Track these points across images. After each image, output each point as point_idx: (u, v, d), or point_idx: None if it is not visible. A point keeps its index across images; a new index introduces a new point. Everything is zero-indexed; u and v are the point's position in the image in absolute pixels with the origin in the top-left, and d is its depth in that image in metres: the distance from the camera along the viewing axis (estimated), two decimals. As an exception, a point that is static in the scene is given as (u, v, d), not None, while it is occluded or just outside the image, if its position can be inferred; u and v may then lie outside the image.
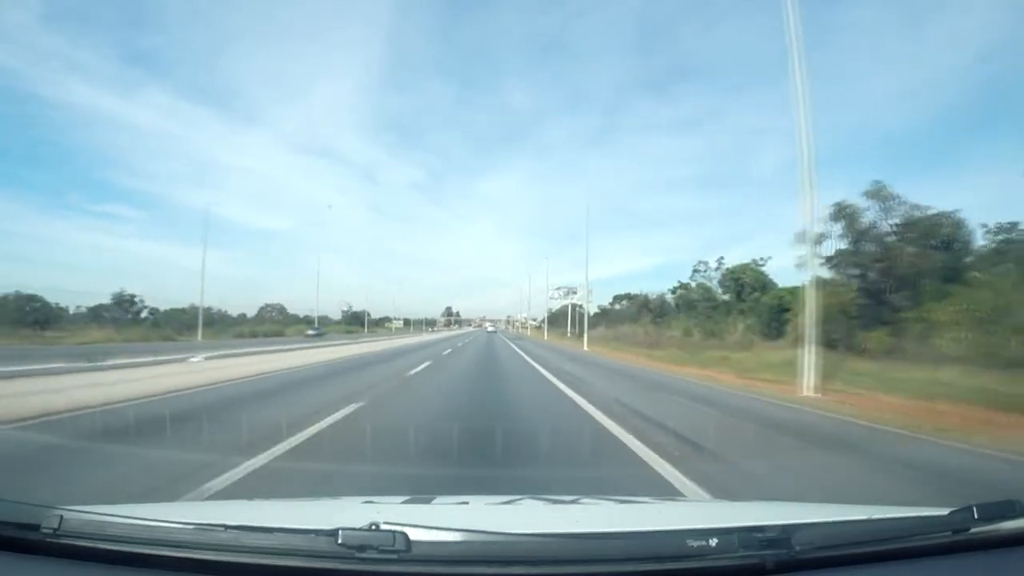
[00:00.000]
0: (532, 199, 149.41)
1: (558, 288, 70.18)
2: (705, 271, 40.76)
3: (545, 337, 61.06)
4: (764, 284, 34.77)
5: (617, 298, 63.66)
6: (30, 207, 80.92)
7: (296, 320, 66.95)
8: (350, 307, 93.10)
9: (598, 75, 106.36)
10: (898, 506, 1.67)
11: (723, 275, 38.86)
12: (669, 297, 45.26)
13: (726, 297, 37.25)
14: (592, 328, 57.81)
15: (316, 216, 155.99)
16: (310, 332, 52.12)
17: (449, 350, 25.32)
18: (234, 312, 64.88)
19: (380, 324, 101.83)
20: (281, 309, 75.68)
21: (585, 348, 33.34)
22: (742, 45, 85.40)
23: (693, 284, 41.17)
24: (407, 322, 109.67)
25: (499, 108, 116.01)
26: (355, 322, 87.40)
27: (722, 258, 39.61)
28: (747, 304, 33.46)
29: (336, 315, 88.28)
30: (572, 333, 59.25)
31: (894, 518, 1.43)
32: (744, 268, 36.91)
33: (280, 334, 50.76)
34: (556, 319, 79.41)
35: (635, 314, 48.38)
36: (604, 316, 59.53)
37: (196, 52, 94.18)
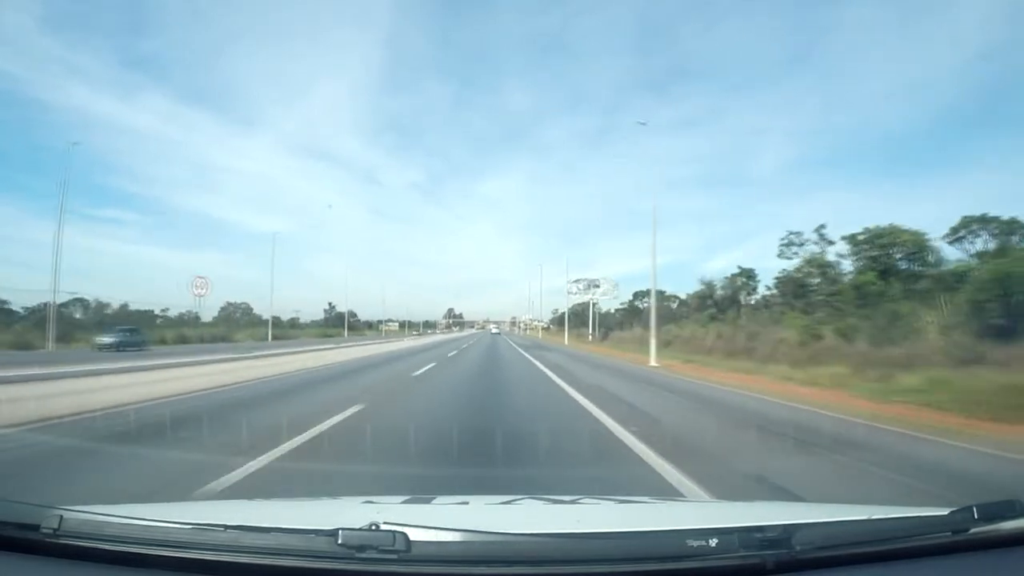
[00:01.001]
0: (533, 200, 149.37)
1: (576, 281, 55.59)
2: (801, 243, 26.90)
3: (566, 342, 46.33)
4: (928, 255, 22.40)
5: (638, 295, 55.05)
6: (29, 212, 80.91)
7: (258, 322, 55.96)
8: (333, 307, 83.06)
9: (598, 75, 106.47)
10: (898, 506, 1.67)
11: (855, 245, 24.41)
12: (710, 287, 35.26)
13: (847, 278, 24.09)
14: (619, 329, 48.38)
15: (316, 218, 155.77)
16: (105, 340, 28.18)
17: (402, 383, 12.20)
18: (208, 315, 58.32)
19: (373, 326, 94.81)
20: (247, 309, 65.82)
21: (653, 363, 20.23)
22: (742, 45, 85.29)
23: (793, 262, 27.27)
24: (402, 324, 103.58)
25: (499, 108, 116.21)
26: (340, 323, 78.00)
27: (823, 226, 26.50)
28: (898, 287, 21.10)
29: (330, 316, 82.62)
30: (593, 336, 49.68)
31: (894, 518, 1.43)
32: (892, 232, 23.21)
33: (226, 339, 41.78)
34: (563, 321, 69.69)
35: (687, 311, 39.01)
36: (634, 315, 50.19)
37: (195, 55, 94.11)
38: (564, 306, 66.92)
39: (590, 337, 49.07)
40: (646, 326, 37.72)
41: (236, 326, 54.31)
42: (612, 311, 61.03)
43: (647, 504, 2.09)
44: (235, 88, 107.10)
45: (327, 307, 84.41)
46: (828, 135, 79.76)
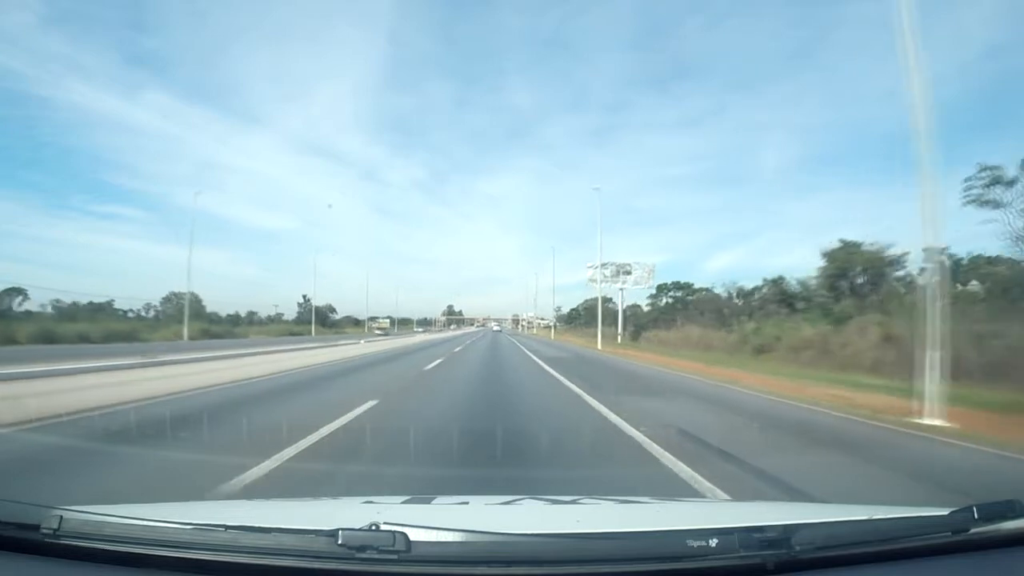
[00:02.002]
0: (535, 197, 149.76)
1: (601, 266, 40.78)
2: (1011, 182, 16.13)
3: (599, 346, 32.33)
4: None
5: (662, 288, 44.83)
6: (32, 208, 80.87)
7: (203, 316, 46.18)
8: (307, 300, 68.21)
9: (601, 72, 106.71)
10: (898, 506, 1.67)
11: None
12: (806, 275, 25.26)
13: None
14: (653, 327, 37.38)
15: (318, 216, 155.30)
16: None
17: None
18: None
19: (362, 323, 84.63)
20: (195, 300, 52.02)
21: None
22: (743, 43, 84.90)
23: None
24: (394, 321, 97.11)
25: (501, 106, 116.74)
26: (318, 320, 66.87)
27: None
28: None
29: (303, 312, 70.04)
30: (621, 336, 37.60)
31: (894, 518, 1.42)
32: None
33: (136, 339, 32.26)
34: (574, 318, 61.47)
35: (753, 304, 30.10)
36: (676, 310, 39.41)
37: (198, 53, 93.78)
38: (568, 303, 59.96)
39: (618, 338, 36.43)
40: (707, 323, 28.99)
41: (177, 319, 44.07)
42: (623, 308, 46.45)
43: (647, 504, 2.08)
44: (237, 85, 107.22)
45: (301, 301, 70.06)
46: (829, 133, 79.71)
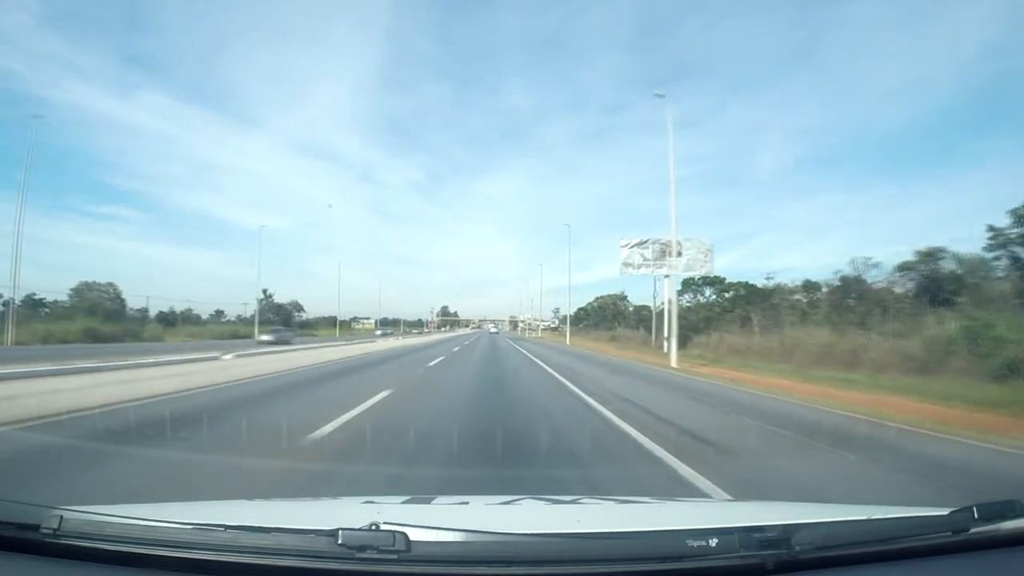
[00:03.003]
0: (534, 199, 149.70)
1: (639, 244, 28.36)
2: None
3: (673, 363, 19.08)
4: None
5: (688, 283, 34.30)
6: (29, 209, 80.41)
7: (97, 313, 38.78)
8: (269, 296, 58.11)
9: (599, 73, 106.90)
10: (898, 506, 1.67)
11: None
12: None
13: None
14: (705, 332, 28.03)
15: (316, 217, 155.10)
16: None
17: None
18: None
19: (346, 325, 78.21)
20: (113, 292, 46.40)
21: None
22: (742, 43, 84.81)
23: None
24: (378, 323, 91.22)
25: (498, 108, 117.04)
26: (278, 320, 56.39)
27: None
28: None
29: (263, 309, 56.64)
30: (667, 344, 21.53)
31: (894, 518, 1.42)
32: None
33: None
34: (580, 319, 49.94)
35: (882, 302, 19.56)
36: (729, 309, 30.61)
37: (196, 54, 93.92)
38: (565, 305, 52.63)
39: (664, 346, 23.83)
40: (794, 322, 19.09)
41: (86, 313, 38.67)
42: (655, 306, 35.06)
43: (647, 504, 2.08)
44: (234, 87, 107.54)
45: (261, 296, 57.14)
46: (828, 135, 79.71)
